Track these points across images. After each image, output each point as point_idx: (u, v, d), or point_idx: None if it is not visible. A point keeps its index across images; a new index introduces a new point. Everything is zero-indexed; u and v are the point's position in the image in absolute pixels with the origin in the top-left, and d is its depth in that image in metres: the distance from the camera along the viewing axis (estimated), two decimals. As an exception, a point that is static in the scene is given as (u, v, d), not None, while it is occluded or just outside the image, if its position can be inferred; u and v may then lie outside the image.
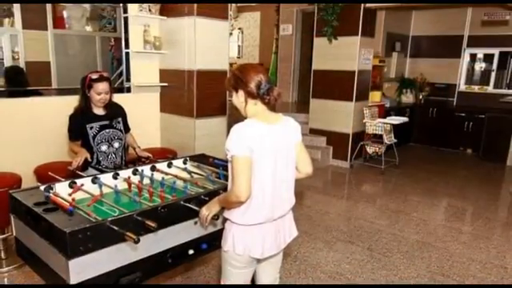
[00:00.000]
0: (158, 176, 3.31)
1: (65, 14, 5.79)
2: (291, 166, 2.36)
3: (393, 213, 5.86)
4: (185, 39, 5.31)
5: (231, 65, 6.19)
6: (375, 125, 8.00)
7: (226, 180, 2.53)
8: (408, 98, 10.73)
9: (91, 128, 3.61)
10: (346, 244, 4.74)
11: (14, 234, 2.63)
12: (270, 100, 2.20)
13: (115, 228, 2.09)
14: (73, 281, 1.98)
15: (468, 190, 7.20)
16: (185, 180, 3.23)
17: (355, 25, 7.63)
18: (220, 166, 3.44)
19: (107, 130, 3.70)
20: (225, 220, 2.37)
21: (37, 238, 2.25)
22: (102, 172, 3.28)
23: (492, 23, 9.38)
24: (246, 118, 2.24)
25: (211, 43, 5.42)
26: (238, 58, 13.26)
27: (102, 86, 3.52)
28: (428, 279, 4.02)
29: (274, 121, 2.25)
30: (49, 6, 5.19)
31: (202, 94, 5.41)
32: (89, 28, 6.19)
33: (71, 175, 3.14)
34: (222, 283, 2.47)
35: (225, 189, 2.51)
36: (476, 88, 10.36)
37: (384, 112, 8.93)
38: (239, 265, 2.33)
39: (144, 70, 5.62)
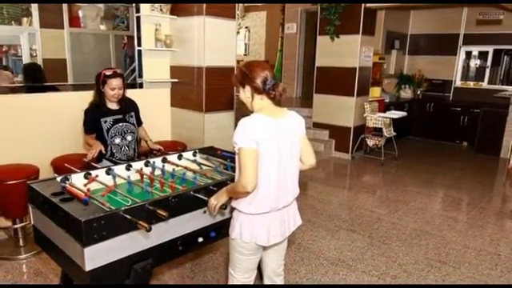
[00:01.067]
0: (168, 167, 3.30)
1: (80, 13, 5.78)
2: (295, 157, 2.34)
3: (392, 202, 5.84)
4: (194, 37, 5.28)
5: (238, 62, 6.16)
6: (375, 119, 7.97)
7: (234, 171, 2.51)
8: (406, 93, 10.67)
9: (105, 122, 3.60)
10: (347, 232, 4.72)
11: (32, 222, 2.63)
12: (275, 95, 2.19)
13: (128, 217, 2.08)
14: (88, 267, 1.98)
15: (463, 180, 7.15)
16: (194, 171, 3.22)
17: (356, 24, 7.59)
18: (228, 158, 3.42)
19: (120, 124, 3.68)
20: (232, 209, 2.36)
21: (54, 226, 2.24)
22: (116, 164, 3.26)
23: (486, 22, 9.34)
24: (252, 112, 2.23)
25: (219, 41, 5.39)
26: (245, 55, 13.21)
27: (116, 82, 3.51)
28: (425, 265, 3.99)
29: (279, 115, 2.23)
30: (65, 6, 5.19)
31: (211, 90, 5.39)
32: (103, 27, 6.18)
33: (86, 167, 3.13)
34: (230, 269, 2.47)
35: (232, 180, 2.49)
36: (471, 84, 10.32)
37: (384, 107, 8.89)
38: (246, 252, 2.32)
39: (155, 66, 5.60)
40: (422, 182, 6.89)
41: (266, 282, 2.67)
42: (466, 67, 10.42)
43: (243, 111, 2.39)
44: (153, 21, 5.44)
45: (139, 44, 5.47)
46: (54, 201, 2.21)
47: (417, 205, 5.74)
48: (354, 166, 8.04)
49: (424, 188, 6.59)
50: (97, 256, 2.01)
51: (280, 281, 2.69)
